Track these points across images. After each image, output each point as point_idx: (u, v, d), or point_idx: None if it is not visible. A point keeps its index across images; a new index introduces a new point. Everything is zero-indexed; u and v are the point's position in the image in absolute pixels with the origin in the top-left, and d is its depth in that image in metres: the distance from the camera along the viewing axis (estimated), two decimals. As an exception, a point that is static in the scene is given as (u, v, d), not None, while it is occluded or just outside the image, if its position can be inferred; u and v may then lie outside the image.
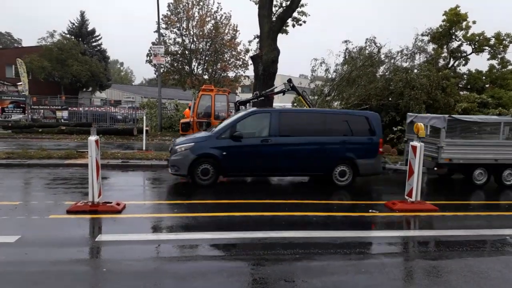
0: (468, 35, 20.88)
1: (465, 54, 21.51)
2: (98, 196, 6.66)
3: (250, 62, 28.60)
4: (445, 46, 21.50)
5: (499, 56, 21.15)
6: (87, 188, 6.78)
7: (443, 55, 21.17)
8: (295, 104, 21.34)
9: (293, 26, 21.34)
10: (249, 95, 18.94)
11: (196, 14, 33.26)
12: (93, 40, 47.90)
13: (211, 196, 8.11)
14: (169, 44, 33.39)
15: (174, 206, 7.20)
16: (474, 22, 20.81)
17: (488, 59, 21.38)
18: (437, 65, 19.21)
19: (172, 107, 24.09)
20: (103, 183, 7.15)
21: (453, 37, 21.33)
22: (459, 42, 21.44)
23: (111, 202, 6.85)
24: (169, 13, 32.88)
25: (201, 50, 33.82)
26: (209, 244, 5.25)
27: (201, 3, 32.85)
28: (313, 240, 5.50)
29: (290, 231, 5.80)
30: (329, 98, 18.01)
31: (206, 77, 34.75)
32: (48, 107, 24.66)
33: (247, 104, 16.30)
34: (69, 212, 6.45)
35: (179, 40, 33.52)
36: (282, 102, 32.34)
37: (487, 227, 6.58)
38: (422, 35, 20.60)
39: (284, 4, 19.85)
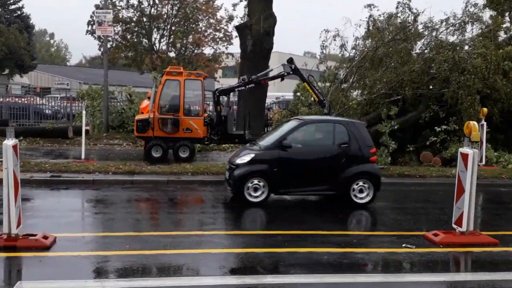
0: (540, -4, 21.14)
1: (536, 24, 21.81)
2: (17, 226, 6.59)
3: (235, 34, 28.71)
4: (507, 13, 21.74)
5: None
6: (1, 214, 6.70)
7: (504, 25, 21.36)
8: (297, 93, 21.32)
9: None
10: (233, 81, 18.96)
11: (159, -35, 33.30)
12: (11, 1, 47.59)
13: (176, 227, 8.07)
14: (119, 7, 33.35)
15: (125, 240, 7.16)
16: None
17: None
18: (496, 39, 19.39)
19: (123, 98, 23.97)
20: (24, 206, 7.07)
21: (519, -1, 21.62)
22: (528, 7, 21.71)
23: (35, 235, 6.77)
24: (120, -36, 32.89)
25: (165, 16, 33.84)
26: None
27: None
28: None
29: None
30: (345, 86, 18.11)
31: (172, 54, 34.77)
32: None
33: (231, 93, 16.30)
34: (-26, 249, 6.38)
35: (134, 2, 33.47)
36: (280, 90, 32.47)
37: None
38: (476, -3, 20.81)
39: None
